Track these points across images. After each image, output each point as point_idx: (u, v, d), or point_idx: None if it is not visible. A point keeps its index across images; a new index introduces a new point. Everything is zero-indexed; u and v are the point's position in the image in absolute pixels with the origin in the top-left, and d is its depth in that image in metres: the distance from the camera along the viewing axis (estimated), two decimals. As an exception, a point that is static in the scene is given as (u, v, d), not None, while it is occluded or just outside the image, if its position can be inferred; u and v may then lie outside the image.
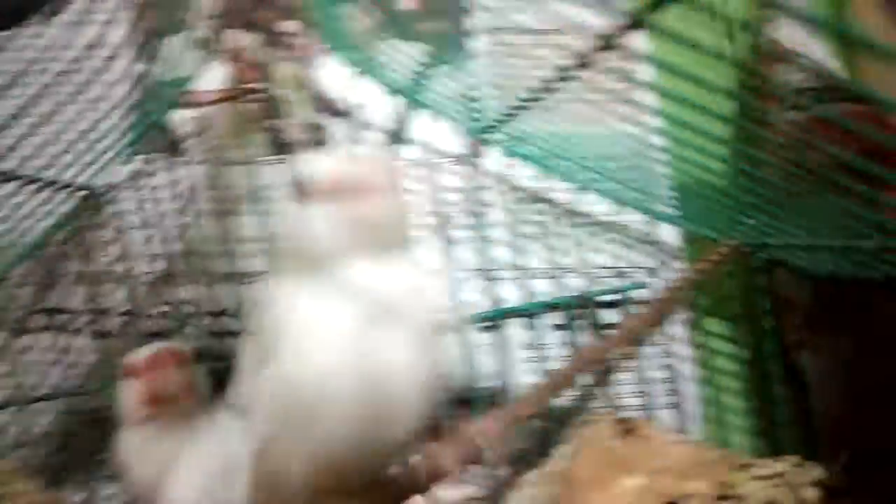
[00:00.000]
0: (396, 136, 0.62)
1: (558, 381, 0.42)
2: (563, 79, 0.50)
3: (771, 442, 0.66)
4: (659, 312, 0.61)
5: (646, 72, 0.59)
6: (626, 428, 0.52)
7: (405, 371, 0.33)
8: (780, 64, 0.52)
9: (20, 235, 0.55)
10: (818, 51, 0.59)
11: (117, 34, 0.45)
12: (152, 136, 0.59)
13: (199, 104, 0.58)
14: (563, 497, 0.49)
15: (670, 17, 0.37)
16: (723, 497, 0.46)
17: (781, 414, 0.64)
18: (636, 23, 0.37)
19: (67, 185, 0.53)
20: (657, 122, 0.55)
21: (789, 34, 0.57)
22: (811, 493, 0.47)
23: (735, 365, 0.69)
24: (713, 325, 0.67)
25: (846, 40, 0.53)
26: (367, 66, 0.61)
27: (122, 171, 0.60)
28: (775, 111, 0.59)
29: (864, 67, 0.60)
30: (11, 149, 0.42)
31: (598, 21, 0.44)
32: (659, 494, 0.46)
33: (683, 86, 0.45)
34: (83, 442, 0.61)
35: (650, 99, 0.55)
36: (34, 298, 0.61)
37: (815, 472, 0.49)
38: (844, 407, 0.64)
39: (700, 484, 0.47)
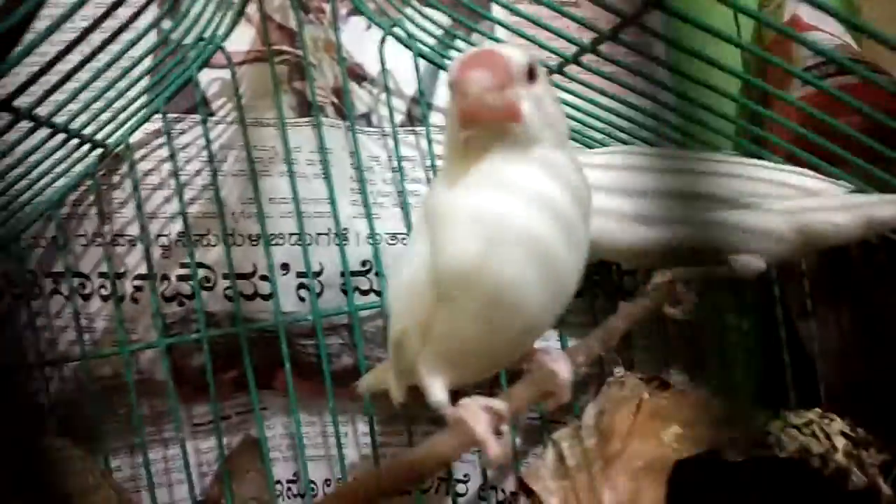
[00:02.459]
0: (421, 102, 0.62)
1: (608, 333, 0.43)
2: (582, 52, 0.52)
3: (775, 408, 0.67)
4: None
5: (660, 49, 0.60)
6: (660, 383, 0.53)
7: (569, 261, 0.35)
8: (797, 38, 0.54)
9: (35, 193, 0.54)
10: (835, 26, 0.61)
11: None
12: (177, 95, 0.58)
13: (226, 64, 0.57)
14: (600, 448, 0.50)
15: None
16: (758, 444, 0.48)
17: (788, 380, 0.66)
18: (656, 3, 0.39)
19: (85, 139, 0.51)
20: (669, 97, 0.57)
21: (809, 11, 0.59)
22: (840, 442, 0.48)
23: (741, 333, 0.71)
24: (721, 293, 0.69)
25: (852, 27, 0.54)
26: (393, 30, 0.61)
27: (142, 130, 0.58)
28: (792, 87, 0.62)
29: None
30: (25, 86, 0.39)
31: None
32: (697, 442, 0.48)
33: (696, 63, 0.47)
34: (93, 410, 0.59)
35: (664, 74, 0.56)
36: (45, 260, 0.59)
37: (839, 422, 0.51)
38: (847, 374, 0.66)
39: (736, 432, 0.48)
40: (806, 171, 0.50)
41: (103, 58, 0.45)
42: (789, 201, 0.47)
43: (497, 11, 0.60)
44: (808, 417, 0.49)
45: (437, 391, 0.38)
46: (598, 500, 0.47)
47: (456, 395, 0.40)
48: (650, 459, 0.45)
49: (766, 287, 0.67)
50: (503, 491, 0.63)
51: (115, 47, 0.45)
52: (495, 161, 0.33)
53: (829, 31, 0.62)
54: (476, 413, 0.34)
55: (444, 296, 0.34)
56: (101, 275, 0.59)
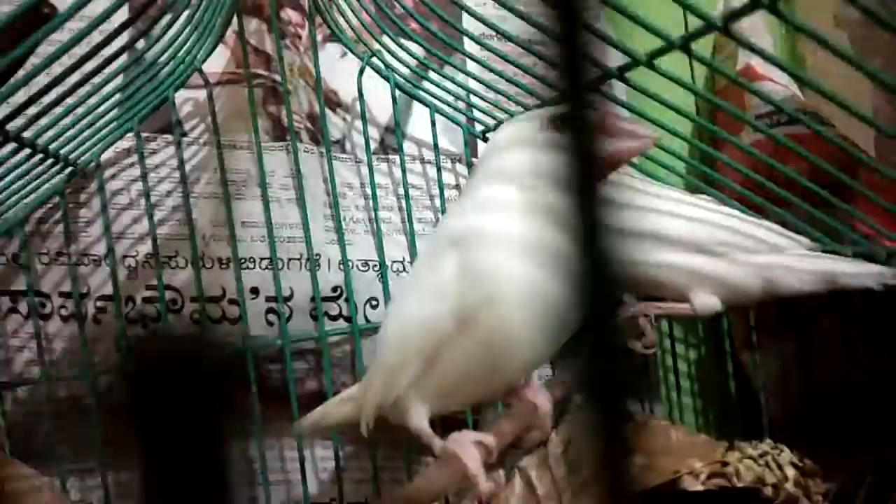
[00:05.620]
0: (394, 131, 0.63)
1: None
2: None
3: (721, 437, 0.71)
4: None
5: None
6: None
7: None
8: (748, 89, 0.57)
9: (2, 210, 0.52)
10: (783, 77, 0.65)
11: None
12: (150, 115, 0.57)
13: (201, 85, 0.56)
14: (565, 478, 0.51)
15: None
16: (716, 475, 0.50)
17: (734, 410, 0.70)
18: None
19: (55, 156, 0.50)
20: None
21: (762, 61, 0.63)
22: (791, 472, 0.51)
23: (689, 364, 0.74)
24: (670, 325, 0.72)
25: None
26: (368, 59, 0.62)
27: (113, 148, 0.57)
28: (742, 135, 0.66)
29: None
30: (17, 111, 0.39)
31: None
32: (659, 473, 0.50)
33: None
34: (50, 433, 0.57)
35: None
36: (2, 277, 0.57)
37: (787, 453, 0.54)
38: (789, 403, 0.70)
39: (696, 463, 0.51)
40: (772, 225, 0.53)
41: (81, 75, 0.44)
42: (755, 255, 0.51)
43: (469, 45, 0.61)
44: (763, 448, 0.52)
45: (421, 418, 0.39)
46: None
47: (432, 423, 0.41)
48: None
49: (715, 319, 0.70)
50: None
51: (92, 64, 0.44)
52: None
53: (781, 83, 0.66)
54: (467, 448, 0.35)
55: (465, 323, 0.36)
56: (62, 294, 0.57)
